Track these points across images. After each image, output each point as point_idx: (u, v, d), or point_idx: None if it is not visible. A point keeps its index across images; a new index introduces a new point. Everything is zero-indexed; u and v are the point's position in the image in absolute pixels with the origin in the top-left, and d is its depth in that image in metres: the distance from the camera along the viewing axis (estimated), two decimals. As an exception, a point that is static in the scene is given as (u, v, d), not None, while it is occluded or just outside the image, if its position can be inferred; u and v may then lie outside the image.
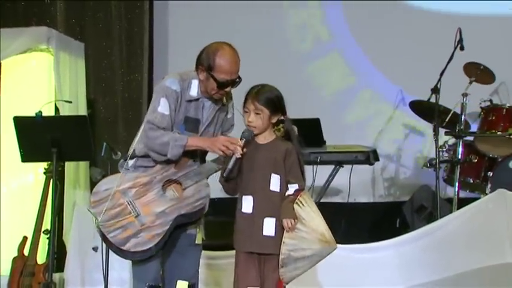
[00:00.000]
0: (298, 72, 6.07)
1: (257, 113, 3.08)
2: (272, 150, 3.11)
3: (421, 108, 5.20)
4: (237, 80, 3.14)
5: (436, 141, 4.84)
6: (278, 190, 3.07)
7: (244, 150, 3.04)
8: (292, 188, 3.08)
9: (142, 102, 6.06)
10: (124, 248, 3.11)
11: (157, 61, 6.46)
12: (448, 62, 4.91)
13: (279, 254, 3.01)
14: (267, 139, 3.14)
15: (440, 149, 4.90)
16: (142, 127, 3.19)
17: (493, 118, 4.98)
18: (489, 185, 4.73)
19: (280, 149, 3.12)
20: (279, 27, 6.25)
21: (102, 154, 4.17)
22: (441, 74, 4.85)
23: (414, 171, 6.02)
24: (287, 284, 3.09)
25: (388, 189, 6.12)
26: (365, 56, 6.10)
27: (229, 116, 3.36)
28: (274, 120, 3.13)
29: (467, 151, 5.00)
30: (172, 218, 3.13)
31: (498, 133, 4.94)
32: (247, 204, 3.07)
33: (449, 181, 5.16)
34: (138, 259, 3.16)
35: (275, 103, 3.11)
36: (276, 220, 3.04)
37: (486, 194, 4.68)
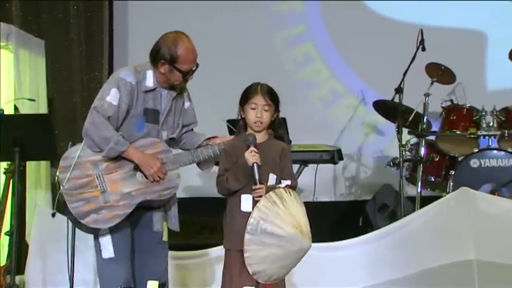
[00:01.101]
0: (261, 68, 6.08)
1: (265, 109, 3.08)
2: (269, 149, 3.11)
3: (384, 108, 5.28)
4: (197, 65, 3.19)
5: (400, 140, 4.91)
6: None
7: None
8: (284, 182, 3.08)
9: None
10: (83, 221, 3.07)
11: (117, 60, 6.40)
12: (411, 63, 4.99)
13: None
14: (263, 138, 3.14)
15: (403, 148, 4.98)
16: (88, 114, 3.13)
17: (454, 118, 5.10)
18: (451, 184, 4.84)
19: (277, 149, 3.13)
20: (241, 24, 6.28)
21: None
22: (404, 74, 4.93)
23: (375, 171, 6.10)
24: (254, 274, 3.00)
25: (349, 188, 6.20)
26: (334, 54, 6.21)
27: (186, 106, 3.36)
28: (273, 118, 3.14)
29: (429, 150, 5.11)
30: (137, 202, 3.10)
31: (458, 132, 5.06)
32: (246, 203, 3.04)
33: (411, 180, 5.26)
34: (91, 233, 3.14)
35: (278, 100, 3.13)
36: None
37: (448, 193, 4.80)
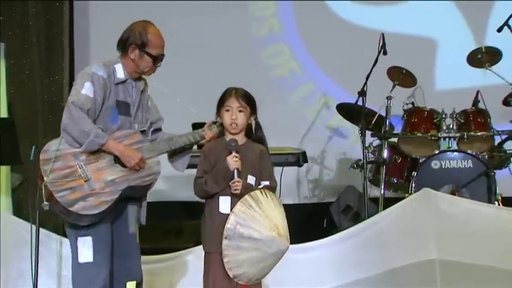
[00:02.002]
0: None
1: (241, 110, 3.12)
2: (248, 152, 3.14)
3: (347, 111, 5.34)
4: (164, 55, 3.26)
5: (363, 142, 4.97)
6: None
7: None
8: (263, 183, 3.12)
9: (63, 105, 5.89)
10: (72, 209, 3.07)
11: (78, 63, 6.30)
12: (373, 66, 5.06)
13: None
14: (241, 141, 3.16)
15: (366, 150, 5.04)
16: (65, 109, 3.14)
17: (415, 120, 5.18)
18: (413, 185, 4.92)
19: (256, 151, 3.16)
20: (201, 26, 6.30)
21: (31, 158, 4.01)
22: (367, 78, 4.99)
23: (338, 173, 6.17)
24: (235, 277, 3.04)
25: (312, 191, 6.25)
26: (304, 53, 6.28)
27: (149, 103, 3.40)
28: (250, 121, 3.17)
29: (392, 152, 5.17)
30: (122, 188, 3.12)
31: (419, 134, 5.15)
32: (225, 204, 3.06)
33: (374, 181, 5.33)
34: (82, 224, 3.11)
35: (254, 103, 3.18)
36: None
37: (410, 194, 4.87)
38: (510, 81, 5.05)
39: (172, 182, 6.70)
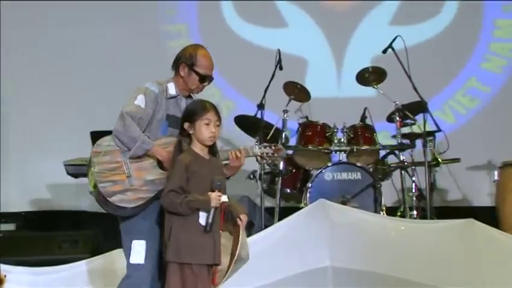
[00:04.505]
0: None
1: (218, 125, 3.21)
2: (216, 165, 3.25)
3: (245, 123, 5.48)
4: (212, 77, 3.58)
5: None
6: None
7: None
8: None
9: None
10: (110, 199, 3.35)
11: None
12: (270, 80, 5.25)
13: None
14: (207, 154, 3.24)
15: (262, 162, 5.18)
16: (118, 117, 3.43)
17: (309, 133, 5.40)
18: (308, 195, 5.13)
19: (220, 164, 3.28)
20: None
21: None
22: (265, 91, 5.18)
23: (232, 183, 6.26)
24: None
25: (206, 201, 6.31)
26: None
27: None
28: None
29: (286, 164, 5.36)
30: (159, 189, 3.32)
31: (312, 147, 5.37)
32: (203, 218, 3.11)
33: (268, 192, 5.49)
34: (118, 214, 3.39)
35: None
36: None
37: (304, 204, 5.08)
38: (394, 99, 5.42)
39: (56, 191, 6.55)
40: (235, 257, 3.12)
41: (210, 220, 3.10)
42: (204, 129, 3.20)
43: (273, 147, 3.61)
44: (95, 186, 3.38)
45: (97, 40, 6.69)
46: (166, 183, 3.18)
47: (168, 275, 3.13)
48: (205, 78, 3.55)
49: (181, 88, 3.57)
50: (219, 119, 3.25)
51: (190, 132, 3.23)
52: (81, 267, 4.39)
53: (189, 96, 3.62)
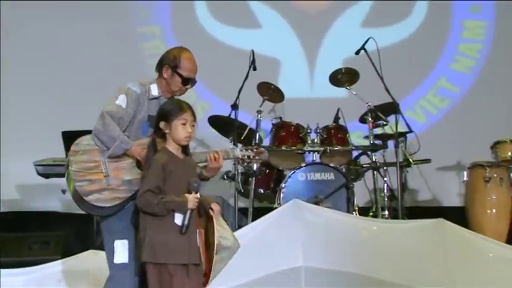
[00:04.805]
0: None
1: (193, 125, 3.20)
2: (191, 164, 3.25)
3: (219, 124, 5.47)
4: (195, 80, 3.57)
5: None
6: None
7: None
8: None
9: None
10: (86, 198, 3.33)
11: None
12: (244, 81, 5.26)
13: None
14: (181, 155, 3.22)
15: (236, 162, 5.20)
16: (99, 116, 3.40)
17: (283, 134, 5.42)
18: (281, 196, 5.14)
19: (194, 164, 3.28)
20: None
21: None
22: (239, 92, 5.18)
23: (205, 183, 6.25)
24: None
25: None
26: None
27: None
28: None
29: (260, 164, 5.35)
30: (136, 189, 3.29)
31: (286, 148, 5.39)
32: (179, 218, 3.09)
33: (242, 192, 5.48)
34: (95, 213, 3.43)
35: None
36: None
37: (278, 204, 5.09)
38: (366, 100, 5.46)
39: (26, 192, 6.48)
40: (215, 247, 3.11)
41: (186, 222, 3.08)
42: (181, 129, 3.19)
43: (254, 150, 3.62)
44: (74, 188, 3.34)
45: (69, 40, 6.61)
46: (142, 183, 3.17)
47: (147, 275, 3.13)
48: (188, 81, 3.54)
49: (163, 90, 3.55)
50: (195, 119, 3.25)
51: (166, 131, 3.22)
52: (52, 268, 4.35)
53: (171, 98, 3.59)
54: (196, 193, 3.12)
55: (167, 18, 6.86)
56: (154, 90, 3.52)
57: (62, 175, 5.05)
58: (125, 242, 3.32)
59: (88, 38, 6.61)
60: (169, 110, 3.23)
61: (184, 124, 3.19)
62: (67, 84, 6.56)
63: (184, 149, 3.25)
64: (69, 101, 6.43)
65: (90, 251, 4.52)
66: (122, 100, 3.43)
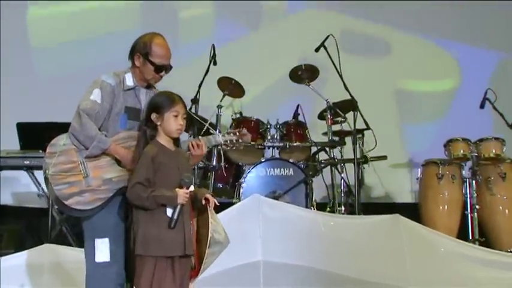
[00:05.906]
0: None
1: (184, 117, 3.17)
2: (183, 156, 3.22)
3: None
4: (170, 66, 3.43)
5: (194, 149, 5.09)
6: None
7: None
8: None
9: None
10: (66, 202, 3.24)
11: None
12: (205, 76, 5.24)
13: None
14: (173, 147, 3.18)
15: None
16: (75, 114, 3.30)
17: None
18: (241, 191, 5.15)
19: (186, 155, 3.25)
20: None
21: None
22: (199, 86, 5.16)
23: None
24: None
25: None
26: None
27: None
28: None
29: (219, 159, 5.36)
30: (117, 188, 3.26)
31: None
32: (170, 210, 3.05)
33: (201, 187, 5.44)
34: (76, 216, 3.31)
35: None
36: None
37: (237, 199, 5.10)
38: (325, 97, 5.51)
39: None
40: (208, 240, 3.09)
41: (175, 217, 3.05)
42: (173, 121, 3.16)
43: (237, 133, 3.58)
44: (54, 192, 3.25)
45: (21, 26, 6.41)
46: (133, 176, 3.12)
47: (137, 268, 3.09)
48: (161, 68, 3.41)
49: (138, 79, 3.44)
50: (186, 113, 3.23)
51: (158, 123, 3.17)
52: (5, 262, 4.24)
53: (149, 87, 3.48)
54: (187, 188, 3.08)
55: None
56: (129, 80, 3.41)
57: (15, 167, 4.98)
58: (106, 240, 3.23)
59: (40, 23, 6.41)
60: (161, 102, 3.18)
61: (176, 116, 3.16)
62: (19, 74, 6.37)
63: (175, 141, 3.23)
64: (23, 92, 6.27)
65: (45, 245, 4.45)
66: (96, 95, 3.31)
